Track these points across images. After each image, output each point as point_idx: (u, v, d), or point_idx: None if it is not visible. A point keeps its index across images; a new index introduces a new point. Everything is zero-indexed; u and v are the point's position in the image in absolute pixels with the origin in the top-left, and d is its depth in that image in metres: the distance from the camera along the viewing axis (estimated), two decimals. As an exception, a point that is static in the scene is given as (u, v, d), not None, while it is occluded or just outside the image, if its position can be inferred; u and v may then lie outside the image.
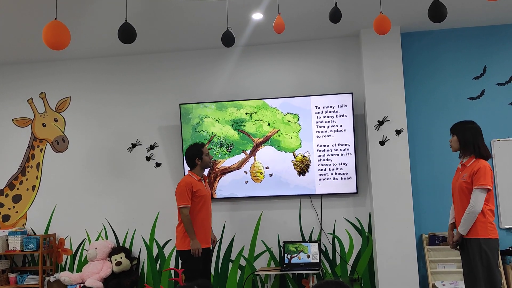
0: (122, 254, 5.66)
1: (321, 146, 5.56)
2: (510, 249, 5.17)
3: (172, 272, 5.66)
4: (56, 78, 6.22)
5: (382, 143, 5.36)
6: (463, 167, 3.88)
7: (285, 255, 5.44)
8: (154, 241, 5.87)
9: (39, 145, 6.17)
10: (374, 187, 5.33)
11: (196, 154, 4.71)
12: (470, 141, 3.82)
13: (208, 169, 5.02)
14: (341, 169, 5.52)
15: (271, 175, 5.62)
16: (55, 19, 3.23)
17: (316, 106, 5.58)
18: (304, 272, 5.35)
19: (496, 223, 4.90)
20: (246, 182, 5.65)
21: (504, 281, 5.01)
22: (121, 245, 5.91)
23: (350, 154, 5.50)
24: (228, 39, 4.18)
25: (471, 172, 3.74)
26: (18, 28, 5.09)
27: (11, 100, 6.26)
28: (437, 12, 3.47)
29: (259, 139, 5.65)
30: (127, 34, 3.62)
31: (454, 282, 5.04)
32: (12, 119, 6.24)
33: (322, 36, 5.70)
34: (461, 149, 3.89)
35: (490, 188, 3.71)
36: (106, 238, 5.95)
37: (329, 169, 5.53)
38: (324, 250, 5.58)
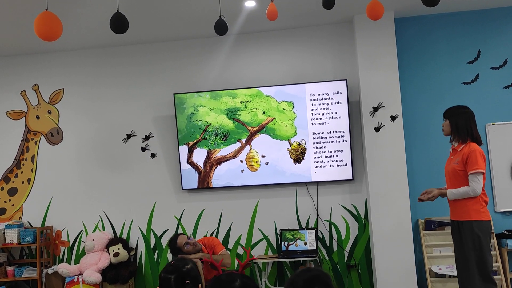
0: (120, 245, 5.66)
1: (316, 133, 5.56)
2: (505, 232, 5.20)
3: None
4: (48, 70, 6.17)
5: (377, 129, 5.36)
6: (454, 152, 3.92)
7: (282, 242, 5.46)
8: (151, 231, 5.88)
9: (33, 138, 6.15)
10: (370, 174, 5.34)
11: (176, 252, 4.54)
12: (463, 126, 3.86)
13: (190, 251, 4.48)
14: (337, 156, 5.52)
15: (267, 163, 5.62)
16: (46, 9, 3.20)
17: (310, 94, 5.57)
18: (301, 259, 5.38)
19: (491, 206, 4.94)
20: (242, 171, 5.66)
21: (499, 264, 5.06)
22: (118, 236, 5.92)
23: (346, 141, 5.50)
24: (221, 28, 4.16)
25: (463, 157, 3.78)
26: (8, 20, 5.04)
27: (4, 93, 6.21)
28: (430, -3, 3.46)
29: (254, 127, 5.64)
30: (119, 24, 3.59)
31: (450, 266, 5.08)
32: (6, 112, 6.20)
33: (315, 23, 5.67)
34: (453, 134, 3.92)
35: (484, 171, 3.75)
36: (103, 229, 5.95)
37: (325, 157, 5.54)
38: (321, 237, 5.60)
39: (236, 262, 5.64)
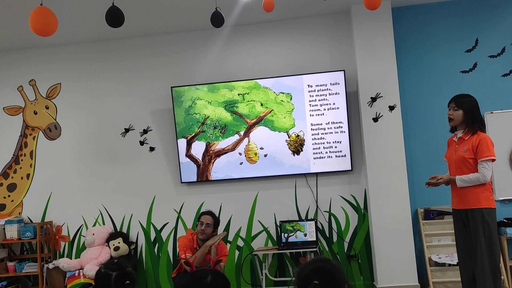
0: (120, 239, 5.67)
1: (314, 124, 5.55)
2: (504, 220, 5.22)
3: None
4: (45, 65, 6.15)
5: (375, 119, 5.36)
6: (460, 140, 3.87)
7: (282, 234, 5.47)
8: (151, 225, 5.89)
9: (31, 133, 6.14)
10: (369, 164, 5.34)
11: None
12: (476, 116, 3.81)
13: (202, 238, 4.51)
14: (335, 147, 5.52)
15: (265, 155, 5.62)
16: (41, 4, 3.17)
17: (308, 85, 5.55)
18: (301, 250, 5.39)
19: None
20: (241, 163, 5.65)
21: (499, 252, 5.07)
22: (118, 230, 5.93)
23: (344, 131, 5.50)
24: (217, 20, 4.14)
25: (472, 144, 3.75)
26: (3, 15, 5.01)
27: (1, 89, 6.19)
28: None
29: (253, 120, 5.63)
30: (114, 17, 3.57)
31: (449, 255, 5.10)
32: (3, 108, 6.19)
33: (312, 13, 5.64)
34: (464, 123, 3.86)
35: (495, 158, 3.74)
36: (103, 223, 5.96)
37: (324, 148, 5.54)
38: (321, 228, 5.61)
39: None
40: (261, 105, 5.61)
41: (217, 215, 4.68)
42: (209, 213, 4.63)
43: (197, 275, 2.21)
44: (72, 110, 6.09)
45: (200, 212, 4.73)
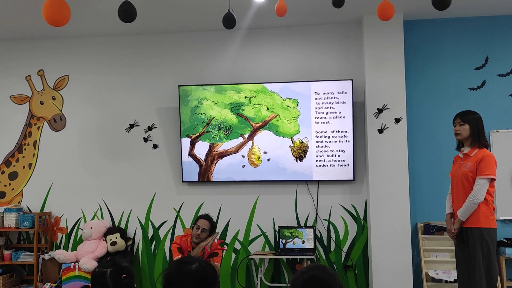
0: (117, 234, 5.67)
1: (319, 132, 5.54)
2: (504, 240, 5.19)
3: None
4: (54, 56, 6.16)
5: (380, 131, 5.35)
6: (465, 157, 3.87)
7: (280, 240, 5.45)
8: (149, 222, 5.88)
9: (36, 123, 6.14)
10: (371, 175, 5.33)
11: (195, 223, 4.66)
12: (481, 131, 3.83)
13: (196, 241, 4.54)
14: (339, 156, 5.51)
15: (268, 160, 5.61)
16: (55, -6, 3.18)
17: (315, 92, 5.55)
18: (298, 257, 5.37)
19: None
20: (243, 166, 5.64)
21: (497, 271, 5.04)
22: (116, 225, 5.92)
23: (348, 141, 5.49)
24: (229, 21, 4.14)
25: (475, 161, 3.74)
26: (16, 4, 5.03)
27: (9, 77, 6.20)
28: (441, 0, 3.43)
29: (258, 123, 5.62)
30: (127, 12, 3.57)
31: (447, 271, 5.07)
32: (10, 96, 6.20)
33: (324, 21, 5.65)
34: (472, 138, 3.85)
35: (495, 178, 3.73)
36: (102, 217, 5.95)
37: (327, 156, 5.52)
38: (319, 236, 5.59)
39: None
40: (267, 109, 5.60)
41: (214, 220, 4.70)
42: (207, 217, 4.64)
43: (184, 260, 2.12)
44: (79, 103, 6.10)
45: (198, 215, 4.71)
